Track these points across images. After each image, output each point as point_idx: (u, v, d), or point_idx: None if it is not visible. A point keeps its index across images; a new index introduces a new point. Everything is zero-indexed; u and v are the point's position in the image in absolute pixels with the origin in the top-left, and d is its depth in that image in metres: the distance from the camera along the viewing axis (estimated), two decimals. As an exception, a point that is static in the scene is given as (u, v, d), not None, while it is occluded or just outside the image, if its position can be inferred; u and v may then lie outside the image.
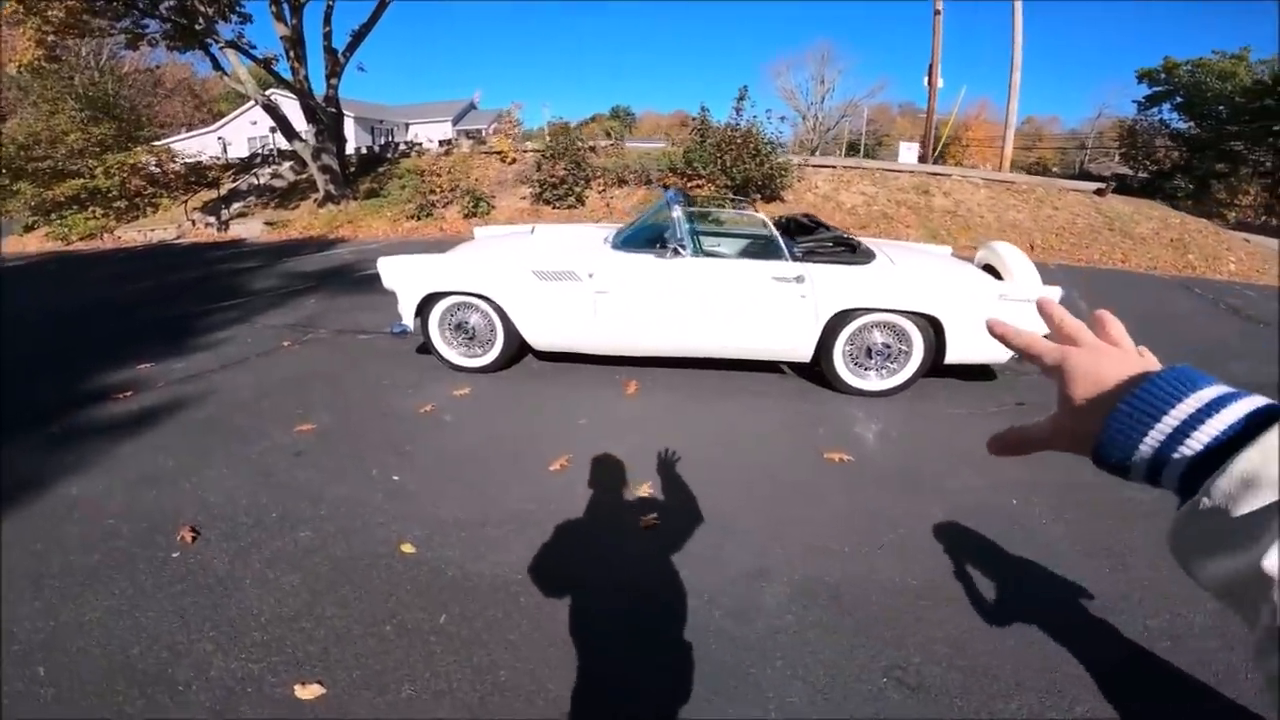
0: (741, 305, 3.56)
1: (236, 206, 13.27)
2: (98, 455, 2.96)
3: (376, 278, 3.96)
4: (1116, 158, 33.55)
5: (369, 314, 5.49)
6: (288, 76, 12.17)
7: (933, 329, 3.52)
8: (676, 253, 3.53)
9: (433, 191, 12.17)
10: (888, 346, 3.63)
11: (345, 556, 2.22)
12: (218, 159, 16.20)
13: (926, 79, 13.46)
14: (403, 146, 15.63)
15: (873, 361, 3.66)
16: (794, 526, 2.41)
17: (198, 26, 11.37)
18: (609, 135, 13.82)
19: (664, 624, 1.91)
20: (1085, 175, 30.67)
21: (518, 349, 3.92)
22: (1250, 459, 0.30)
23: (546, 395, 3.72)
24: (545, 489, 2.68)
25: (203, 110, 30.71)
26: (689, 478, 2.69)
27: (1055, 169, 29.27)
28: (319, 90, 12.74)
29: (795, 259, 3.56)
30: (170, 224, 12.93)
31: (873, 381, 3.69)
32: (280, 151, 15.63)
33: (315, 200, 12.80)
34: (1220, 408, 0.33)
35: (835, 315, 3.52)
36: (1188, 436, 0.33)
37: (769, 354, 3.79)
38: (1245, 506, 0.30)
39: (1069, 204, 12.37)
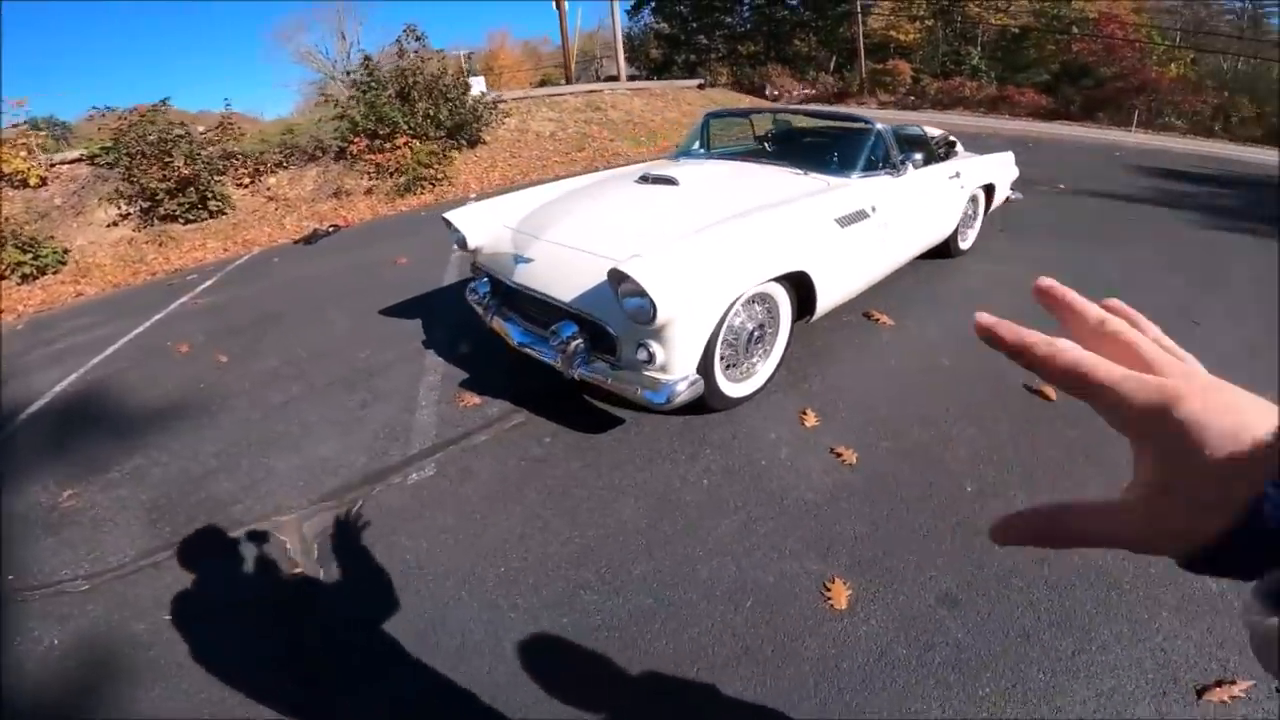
0: (937, 207, 3.70)
1: None
2: None
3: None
4: (624, 61, 40.82)
5: (254, 462, 2.48)
6: None
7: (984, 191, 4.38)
8: (901, 169, 3.25)
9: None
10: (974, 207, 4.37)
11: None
12: None
13: (556, 3, 13.39)
14: None
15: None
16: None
17: None
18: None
19: None
20: (611, 78, 36.55)
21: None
22: None
23: (903, 383, 2.75)
24: None
25: None
26: None
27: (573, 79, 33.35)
28: None
29: (946, 159, 3.90)
30: None
31: (970, 236, 4.42)
32: None
33: None
34: None
35: (970, 197, 4.11)
36: None
37: (935, 244, 3.95)
38: None
39: (692, 99, 14.73)
